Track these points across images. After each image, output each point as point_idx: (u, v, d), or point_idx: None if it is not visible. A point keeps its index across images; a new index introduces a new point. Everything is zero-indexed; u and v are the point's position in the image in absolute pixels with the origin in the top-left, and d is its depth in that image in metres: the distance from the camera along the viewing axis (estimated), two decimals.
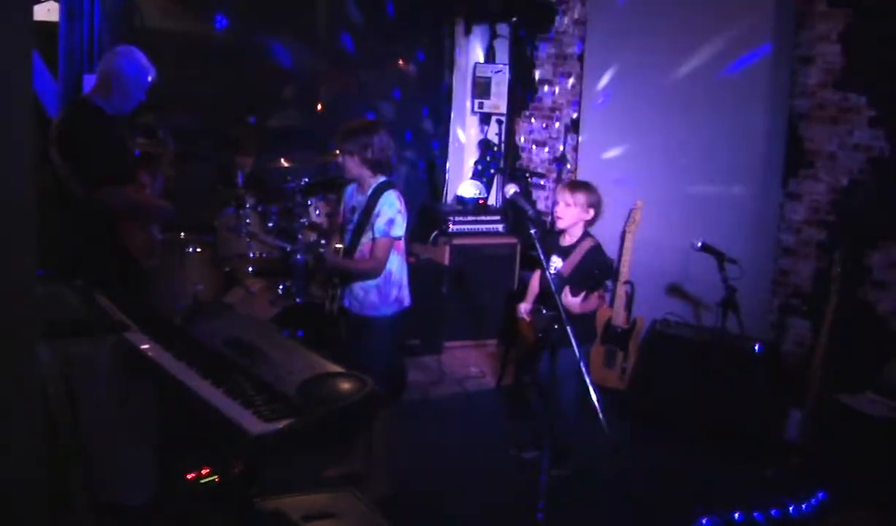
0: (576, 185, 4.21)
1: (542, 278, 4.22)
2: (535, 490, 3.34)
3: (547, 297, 4.08)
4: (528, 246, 4.28)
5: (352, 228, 3.84)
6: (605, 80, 5.92)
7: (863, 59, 4.53)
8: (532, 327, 4.17)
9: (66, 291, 2.98)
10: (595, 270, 4.07)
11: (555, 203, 4.23)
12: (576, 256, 4.07)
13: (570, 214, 4.09)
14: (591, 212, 4.12)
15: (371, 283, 3.78)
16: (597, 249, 4.11)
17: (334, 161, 5.28)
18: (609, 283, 5.46)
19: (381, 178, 3.80)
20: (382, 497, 3.68)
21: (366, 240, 3.77)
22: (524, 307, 4.21)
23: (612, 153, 5.88)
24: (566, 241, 4.15)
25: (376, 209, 3.73)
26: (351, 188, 3.95)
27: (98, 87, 3.95)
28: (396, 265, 3.81)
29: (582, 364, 3.11)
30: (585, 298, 3.99)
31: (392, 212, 3.72)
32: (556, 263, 4.11)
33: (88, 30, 4.89)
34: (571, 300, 3.95)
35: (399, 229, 3.76)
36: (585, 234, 4.15)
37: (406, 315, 3.93)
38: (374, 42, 6.49)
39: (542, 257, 3.37)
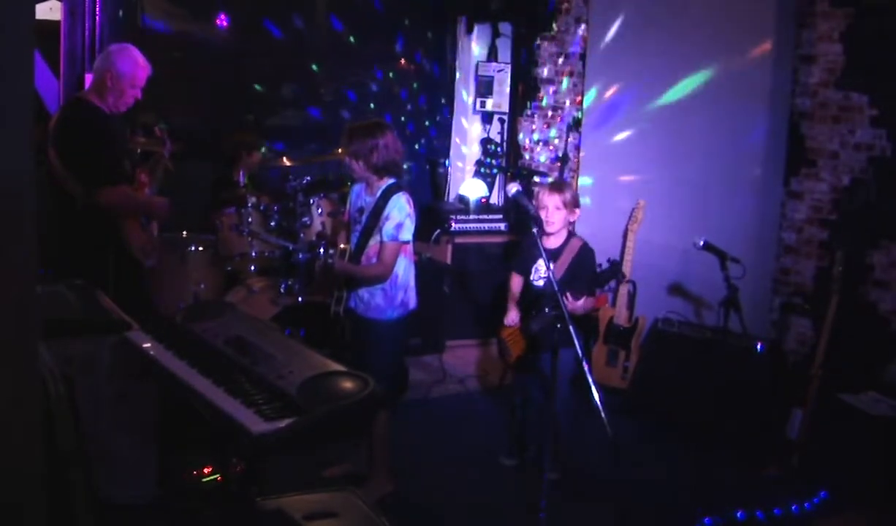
0: (560, 186, 4.11)
1: (525, 282, 4.13)
2: (536, 490, 3.33)
3: (531, 303, 4.03)
4: (528, 244, 4.18)
5: (360, 230, 3.78)
6: (606, 79, 5.91)
7: (864, 59, 4.52)
8: (521, 335, 4.06)
9: (66, 291, 2.98)
10: (589, 269, 4.01)
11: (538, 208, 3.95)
12: (567, 257, 3.97)
13: (559, 217, 3.95)
14: (577, 211, 4.05)
15: (377, 286, 3.74)
16: (587, 248, 4.03)
17: (336, 160, 5.30)
18: (612, 282, 5.46)
19: (390, 181, 3.74)
20: (383, 497, 3.69)
21: (374, 242, 3.72)
22: (513, 316, 4.10)
23: (614, 152, 5.87)
24: (552, 243, 4.00)
25: (385, 212, 3.68)
26: (358, 187, 3.88)
27: (94, 86, 3.94)
28: (403, 268, 3.76)
29: (585, 365, 3.10)
30: (587, 299, 3.92)
31: (401, 216, 3.67)
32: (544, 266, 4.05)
33: (90, 29, 4.90)
34: (577, 304, 3.77)
35: (408, 233, 3.71)
36: (571, 234, 4.07)
37: (411, 317, 3.89)
38: (376, 41, 6.49)
39: (544, 256, 3.36)
